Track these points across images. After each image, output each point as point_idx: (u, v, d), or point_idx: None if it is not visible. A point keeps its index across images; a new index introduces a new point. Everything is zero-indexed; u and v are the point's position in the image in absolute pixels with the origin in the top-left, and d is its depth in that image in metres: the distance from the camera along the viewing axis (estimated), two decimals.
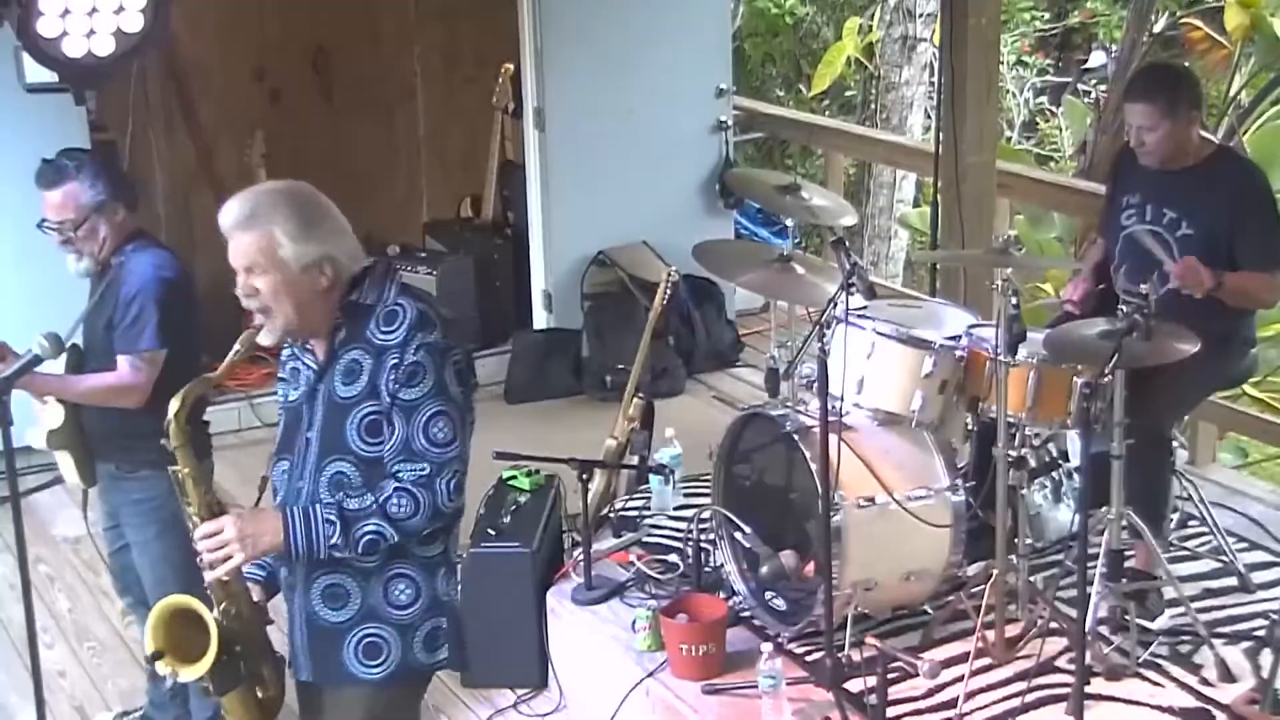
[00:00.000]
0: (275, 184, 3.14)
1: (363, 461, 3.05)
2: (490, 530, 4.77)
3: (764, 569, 4.25)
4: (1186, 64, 8.20)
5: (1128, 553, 4.26)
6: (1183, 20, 9.83)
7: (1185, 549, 4.70)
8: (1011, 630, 4.15)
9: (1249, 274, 4.46)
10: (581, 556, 4.67)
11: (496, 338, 7.32)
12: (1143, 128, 4.52)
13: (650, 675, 4.26)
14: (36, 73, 4.83)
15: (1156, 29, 10.04)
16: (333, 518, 2.99)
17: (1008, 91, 11.86)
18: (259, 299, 3.02)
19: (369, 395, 3.03)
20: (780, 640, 4.28)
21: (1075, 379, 4.10)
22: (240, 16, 7.55)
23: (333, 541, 2.99)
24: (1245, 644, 4.10)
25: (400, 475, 3.02)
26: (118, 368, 4.11)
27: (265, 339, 3.08)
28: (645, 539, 4.98)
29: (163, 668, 3.07)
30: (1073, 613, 3.81)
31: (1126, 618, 4.06)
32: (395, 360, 3.00)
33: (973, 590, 4.22)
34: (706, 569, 4.57)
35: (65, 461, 4.36)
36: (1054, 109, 12.44)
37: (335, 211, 3.08)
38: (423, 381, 3.00)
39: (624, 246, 7.11)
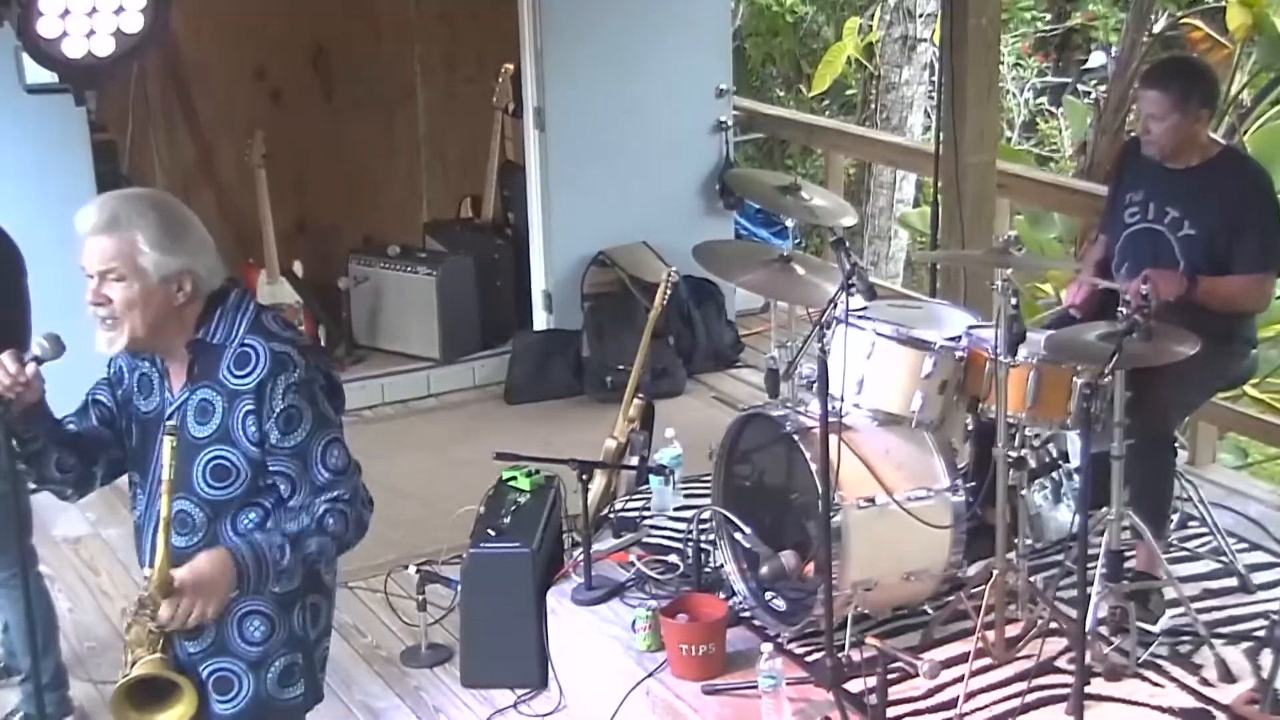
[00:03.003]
0: (138, 191, 3.04)
1: (206, 503, 2.95)
2: (490, 530, 4.77)
3: (764, 569, 4.25)
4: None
5: (1128, 554, 4.27)
6: (1183, 20, 9.81)
7: (1185, 549, 4.70)
8: (1011, 630, 4.15)
9: (1225, 279, 4.44)
10: (581, 556, 4.67)
11: (496, 338, 7.33)
12: (1151, 115, 4.50)
13: (650, 675, 4.26)
14: (36, 73, 4.83)
15: (1157, 29, 10.03)
16: (281, 543, 2.90)
17: (1008, 92, 11.85)
18: (109, 308, 2.88)
19: (221, 439, 2.92)
20: (780, 640, 4.28)
21: (1075, 379, 4.09)
22: (240, 16, 7.54)
23: (282, 566, 2.90)
24: (1245, 644, 4.10)
25: (321, 502, 2.95)
26: None
27: (105, 348, 2.94)
28: (645, 539, 4.98)
29: None
30: (1073, 613, 3.81)
31: (1127, 625, 4.05)
32: (251, 406, 2.89)
33: (973, 590, 4.21)
34: (706, 569, 4.57)
35: None
36: (1054, 109, 12.43)
37: (198, 224, 2.96)
38: (302, 423, 2.92)
39: (624, 246, 7.11)
